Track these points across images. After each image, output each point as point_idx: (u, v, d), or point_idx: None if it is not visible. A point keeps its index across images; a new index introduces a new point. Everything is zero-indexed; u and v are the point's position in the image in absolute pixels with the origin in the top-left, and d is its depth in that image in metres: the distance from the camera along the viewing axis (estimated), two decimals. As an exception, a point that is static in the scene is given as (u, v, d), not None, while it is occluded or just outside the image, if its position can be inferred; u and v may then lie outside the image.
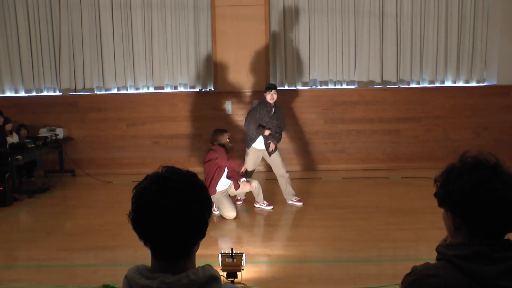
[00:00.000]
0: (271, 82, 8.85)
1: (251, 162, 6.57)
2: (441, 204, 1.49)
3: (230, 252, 4.00)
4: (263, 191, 6.43)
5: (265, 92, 6.46)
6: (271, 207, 6.40)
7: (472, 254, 1.35)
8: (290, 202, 6.54)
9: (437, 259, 1.45)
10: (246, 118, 6.57)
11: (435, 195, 1.50)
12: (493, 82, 8.91)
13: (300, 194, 6.69)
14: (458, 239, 1.47)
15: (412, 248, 4.98)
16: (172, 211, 1.28)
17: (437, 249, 1.45)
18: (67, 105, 9.00)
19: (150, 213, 1.29)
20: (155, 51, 8.97)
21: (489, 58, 8.97)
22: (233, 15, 8.60)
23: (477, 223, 1.40)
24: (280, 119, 6.57)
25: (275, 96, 6.40)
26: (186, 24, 8.91)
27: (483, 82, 9.06)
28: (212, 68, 8.88)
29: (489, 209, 1.37)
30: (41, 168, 8.54)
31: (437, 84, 9.04)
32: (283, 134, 7.04)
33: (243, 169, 6.52)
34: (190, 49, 8.95)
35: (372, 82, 8.98)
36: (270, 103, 6.41)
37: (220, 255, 4.02)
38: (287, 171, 6.56)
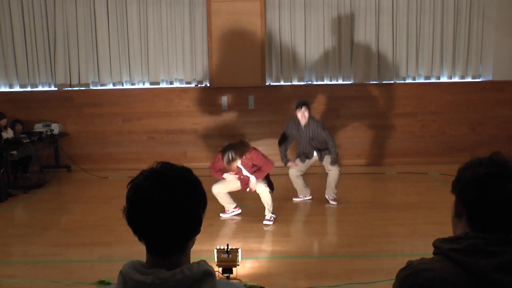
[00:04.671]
0: (267, 77, 8.85)
1: None
2: (452, 188, 1.50)
3: (226, 247, 4.00)
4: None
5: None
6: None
7: (468, 248, 1.36)
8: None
9: (434, 253, 1.46)
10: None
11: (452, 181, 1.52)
12: (489, 77, 8.93)
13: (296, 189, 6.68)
14: (457, 230, 1.49)
15: (408, 243, 5.00)
16: (166, 207, 1.28)
17: (434, 244, 1.46)
18: (63, 100, 8.96)
19: (144, 208, 1.29)
20: (151, 46, 8.94)
21: (484, 53, 8.98)
22: (228, 11, 8.57)
23: (477, 214, 1.41)
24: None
25: (306, 114, 6.22)
26: (181, 20, 8.88)
27: (479, 78, 9.08)
28: (208, 64, 8.86)
29: (492, 203, 1.38)
30: (36, 163, 8.50)
31: (433, 80, 9.05)
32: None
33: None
34: (185, 44, 8.92)
35: (368, 78, 8.98)
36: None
37: (215, 250, 4.02)
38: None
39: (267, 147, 8.27)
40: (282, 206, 6.36)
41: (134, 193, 1.32)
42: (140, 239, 1.33)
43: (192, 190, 1.33)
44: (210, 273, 1.30)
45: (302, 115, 6.23)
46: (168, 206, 1.28)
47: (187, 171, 1.37)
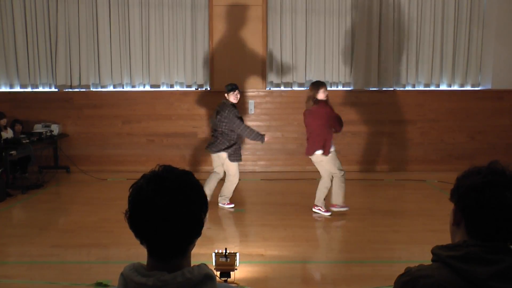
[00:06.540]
0: (267, 82, 8.87)
1: None
2: (450, 196, 1.52)
3: (224, 251, 4.01)
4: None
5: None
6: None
7: (466, 255, 1.38)
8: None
9: (432, 260, 1.47)
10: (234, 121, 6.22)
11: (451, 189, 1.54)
12: (488, 86, 8.96)
13: (295, 194, 6.70)
14: (456, 238, 1.50)
15: (405, 250, 5.00)
16: (168, 211, 1.29)
17: (432, 251, 1.47)
18: (63, 101, 8.97)
19: (146, 212, 1.30)
20: (152, 49, 8.96)
21: (484, 62, 9.02)
22: (230, 15, 8.60)
23: (476, 223, 1.43)
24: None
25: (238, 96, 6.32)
26: (183, 23, 8.90)
27: (478, 86, 9.11)
28: (209, 67, 8.88)
29: (491, 212, 1.39)
30: (36, 164, 8.50)
31: (433, 88, 9.09)
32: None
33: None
34: (187, 47, 8.95)
35: (368, 84, 9.00)
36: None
37: (213, 254, 4.02)
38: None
39: (266, 151, 8.29)
40: (280, 211, 6.36)
41: (136, 197, 1.33)
42: (141, 243, 1.34)
43: (193, 194, 1.34)
44: (210, 277, 1.31)
45: (235, 98, 6.32)
46: (170, 209, 1.29)
47: (189, 175, 1.38)
